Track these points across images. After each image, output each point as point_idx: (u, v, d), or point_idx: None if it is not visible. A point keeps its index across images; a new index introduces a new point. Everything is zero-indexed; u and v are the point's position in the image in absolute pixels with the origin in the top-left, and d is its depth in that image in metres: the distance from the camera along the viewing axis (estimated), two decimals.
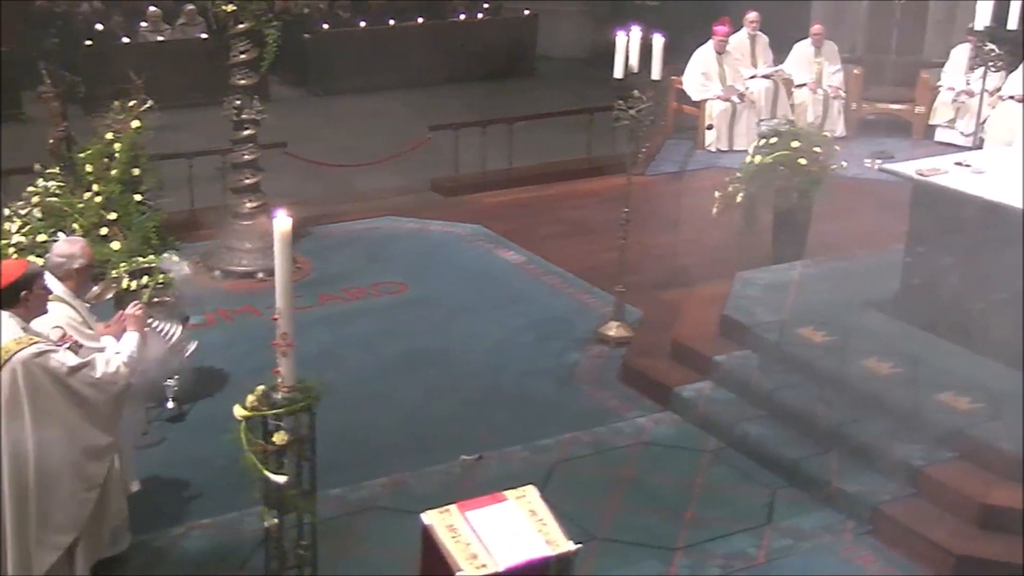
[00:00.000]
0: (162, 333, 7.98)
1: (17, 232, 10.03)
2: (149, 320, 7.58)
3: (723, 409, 8.56)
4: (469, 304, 10.54)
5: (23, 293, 5.72)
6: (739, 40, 15.37)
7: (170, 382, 8.46)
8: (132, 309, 6.42)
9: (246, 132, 10.93)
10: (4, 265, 5.86)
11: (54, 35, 16.24)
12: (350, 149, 14.11)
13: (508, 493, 5.28)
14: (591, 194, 12.65)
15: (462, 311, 10.39)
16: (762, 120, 13.90)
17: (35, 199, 10.35)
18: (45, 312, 5.98)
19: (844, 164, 11.37)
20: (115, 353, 5.96)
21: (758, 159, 10.74)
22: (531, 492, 5.30)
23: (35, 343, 5.64)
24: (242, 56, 10.73)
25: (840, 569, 7.03)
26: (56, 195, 10.37)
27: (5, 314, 5.68)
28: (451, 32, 19.04)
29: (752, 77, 15.19)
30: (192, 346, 8.44)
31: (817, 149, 10.78)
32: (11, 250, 9.74)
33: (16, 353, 5.56)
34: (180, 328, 8.22)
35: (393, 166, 13.67)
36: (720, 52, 15.03)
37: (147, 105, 10.65)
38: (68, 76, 10.58)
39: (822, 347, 8.74)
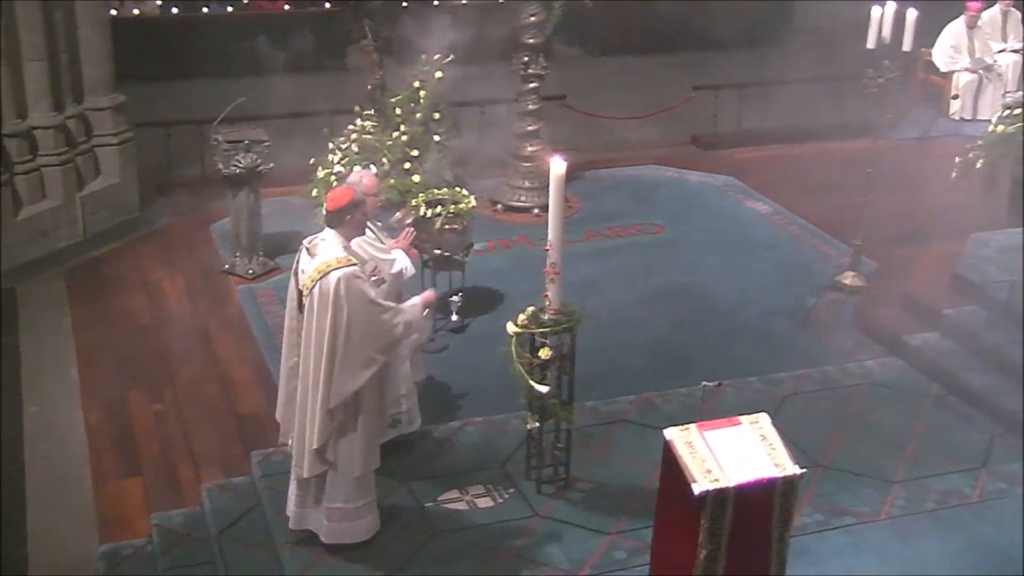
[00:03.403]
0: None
1: (338, 163, 10.50)
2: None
3: (948, 358, 8.19)
4: (719, 247, 10.39)
5: (347, 217, 5.96)
6: (991, 15, 14.44)
7: (455, 298, 8.70)
8: (429, 291, 6.65)
9: (531, 85, 11.02)
10: (334, 192, 6.13)
11: None
12: (621, 104, 14.04)
13: (743, 418, 5.20)
14: (837, 154, 12.20)
15: (712, 253, 10.26)
16: (1007, 92, 13.08)
17: (353, 136, 10.78)
18: (362, 234, 6.25)
19: None
20: (399, 313, 6.06)
21: (1001, 128, 10.20)
22: (763, 419, 5.21)
23: (352, 264, 5.86)
24: (531, 19, 10.80)
25: None
26: (370, 133, 10.78)
27: (332, 233, 5.96)
28: (716, 2, 18.58)
29: (1001, 51, 14.28)
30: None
31: None
32: (332, 178, 10.21)
33: (335, 269, 5.79)
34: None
35: (658, 120, 13.55)
36: (971, 27, 14.16)
37: (448, 59, 10.91)
38: (386, 32, 10.91)
39: None
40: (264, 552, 6.35)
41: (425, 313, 6.45)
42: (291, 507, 6.25)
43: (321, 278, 5.79)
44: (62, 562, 6.77)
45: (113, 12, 13.70)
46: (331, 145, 10.73)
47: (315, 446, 5.94)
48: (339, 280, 5.77)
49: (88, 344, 8.93)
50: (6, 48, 10.01)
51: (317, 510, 6.15)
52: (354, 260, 5.92)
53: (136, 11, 16.12)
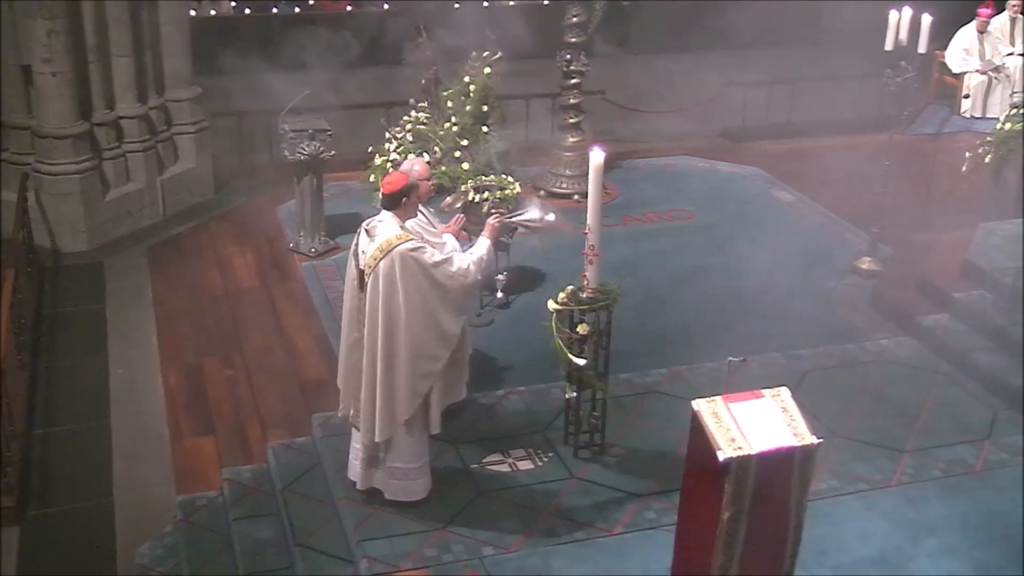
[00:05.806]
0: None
1: (394, 151, 10.53)
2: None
3: (958, 338, 8.12)
4: (746, 233, 10.28)
5: (403, 199, 5.98)
6: (1001, 21, 14.16)
7: (500, 276, 8.69)
8: (492, 220, 6.58)
9: (573, 81, 10.98)
10: (389, 177, 6.15)
11: None
12: (657, 98, 13.97)
13: (765, 391, 5.17)
14: (857, 148, 12.05)
15: (740, 238, 10.16)
16: (1015, 92, 12.87)
17: (408, 126, 10.80)
18: (415, 216, 6.24)
19: None
20: (468, 254, 6.14)
21: (1008, 126, 10.07)
22: (784, 392, 5.18)
23: (410, 239, 5.89)
24: (574, 19, 10.76)
25: None
26: (424, 124, 10.79)
27: (389, 215, 5.97)
28: (747, 3, 18.37)
29: (1009, 54, 14.02)
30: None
31: None
32: (388, 165, 10.25)
33: (397, 246, 5.82)
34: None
35: (691, 114, 13.46)
36: (982, 31, 13.90)
37: (497, 56, 10.89)
38: (440, 31, 10.92)
39: None
40: (324, 506, 6.42)
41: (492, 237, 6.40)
42: (357, 469, 6.30)
43: (384, 256, 5.81)
44: (144, 510, 6.90)
45: (192, 12, 13.82)
46: (388, 134, 10.76)
47: (405, 418, 5.99)
48: (402, 256, 5.80)
49: (167, 313, 9.05)
50: (97, 45, 10.14)
51: (381, 469, 6.21)
52: (411, 236, 5.94)
53: (213, 12, 16.26)
